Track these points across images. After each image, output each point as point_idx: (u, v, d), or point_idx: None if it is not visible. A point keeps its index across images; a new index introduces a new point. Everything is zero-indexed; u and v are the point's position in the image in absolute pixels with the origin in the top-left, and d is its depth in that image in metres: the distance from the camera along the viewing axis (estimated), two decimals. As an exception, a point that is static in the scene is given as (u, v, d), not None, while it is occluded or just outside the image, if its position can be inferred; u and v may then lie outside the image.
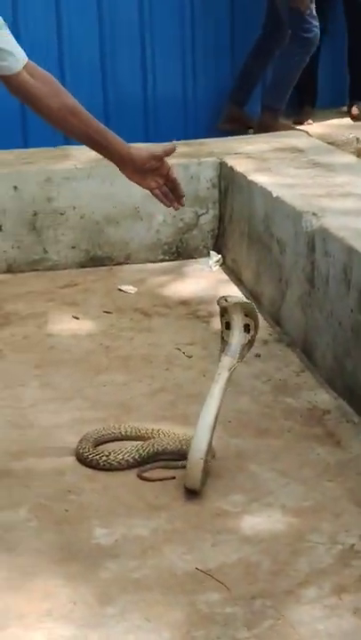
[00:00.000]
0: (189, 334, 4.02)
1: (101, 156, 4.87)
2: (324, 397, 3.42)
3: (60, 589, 2.41)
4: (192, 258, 4.96)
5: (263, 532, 2.62)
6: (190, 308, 4.30)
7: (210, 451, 2.82)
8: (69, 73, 5.76)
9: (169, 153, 2.97)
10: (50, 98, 2.83)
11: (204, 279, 4.70)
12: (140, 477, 2.92)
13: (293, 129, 5.82)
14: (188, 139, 5.66)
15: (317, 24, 5.81)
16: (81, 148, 5.21)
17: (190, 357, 3.79)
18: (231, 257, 4.78)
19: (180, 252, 4.96)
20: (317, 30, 5.81)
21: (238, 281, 4.59)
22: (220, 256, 4.91)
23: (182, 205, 3.10)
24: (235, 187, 4.70)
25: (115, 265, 4.87)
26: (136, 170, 2.93)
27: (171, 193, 2.99)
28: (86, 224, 4.81)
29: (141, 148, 2.99)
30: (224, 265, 4.84)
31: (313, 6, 5.76)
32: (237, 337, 2.87)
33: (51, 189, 4.78)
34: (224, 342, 2.91)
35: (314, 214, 3.69)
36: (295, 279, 3.83)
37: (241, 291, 4.52)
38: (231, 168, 4.76)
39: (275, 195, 4.10)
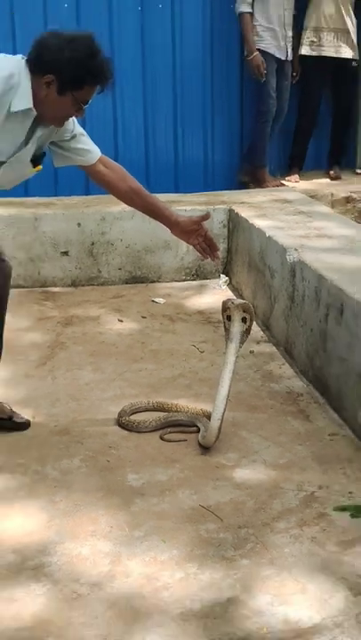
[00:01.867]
0: (203, 335, 4.10)
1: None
2: (298, 384, 3.48)
3: (102, 517, 2.49)
4: (207, 279, 5.05)
5: (249, 481, 2.71)
6: (204, 316, 4.38)
7: (224, 416, 2.87)
8: (122, 142, 5.80)
9: (205, 219, 3.04)
10: (118, 182, 2.93)
11: (216, 294, 4.76)
12: (162, 439, 3.00)
13: (285, 186, 5.84)
14: (207, 191, 5.71)
15: (273, 98, 5.71)
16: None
17: (202, 352, 3.86)
18: (236, 279, 4.85)
19: (198, 274, 5.05)
20: (273, 103, 5.71)
21: (240, 297, 4.63)
22: (227, 278, 4.99)
23: (218, 258, 3.20)
24: (239, 227, 4.77)
25: (150, 282, 4.98)
26: (182, 231, 3.04)
27: (208, 248, 3.04)
28: (130, 252, 4.91)
29: (185, 216, 3.05)
30: (230, 284, 4.94)
31: (273, 81, 5.69)
32: (237, 327, 2.92)
33: (105, 226, 4.88)
34: (227, 332, 2.96)
35: (296, 250, 3.75)
36: (281, 297, 3.89)
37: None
38: (237, 213, 4.82)
39: (268, 234, 4.16)
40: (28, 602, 2.10)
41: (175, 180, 6.00)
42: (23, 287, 4.82)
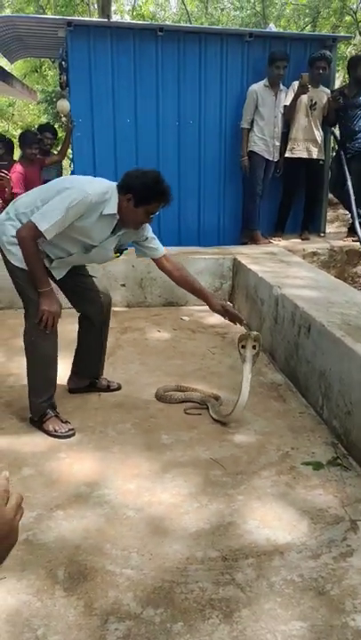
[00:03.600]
0: (214, 343, 4.07)
1: (178, 251, 4.99)
2: (279, 378, 3.44)
3: (143, 463, 2.49)
4: (217, 304, 4.97)
5: (244, 442, 2.68)
6: (215, 330, 4.35)
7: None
8: (162, 212, 5.79)
9: (232, 321, 3.05)
10: (174, 271, 3.01)
11: (223, 315, 4.72)
12: (185, 412, 2.97)
13: (272, 243, 5.82)
14: (220, 245, 5.70)
15: (260, 185, 5.65)
16: (167, 249, 5.32)
17: (214, 354, 3.83)
18: (237, 305, 4.81)
19: (212, 301, 4.99)
20: (260, 188, 5.64)
21: (240, 317, 4.60)
22: (232, 304, 4.90)
23: (244, 323, 3.09)
24: (240, 271, 4.74)
25: (179, 306, 4.92)
26: (217, 311, 3.04)
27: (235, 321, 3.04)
28: (166, 285, 4.84)
29: (220, 305, 3.03)
30: (233, 308, 4.82)
31: (261, 173, 5.64)
32: (250, 352, 2.81)
33: (150, 267, 4.80)
34: (242, 356, 2.82)
35: (278, 287, 3.72)
36: (268, 318, 3.87)
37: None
38: (239, 261, 4.80)
39: (260, 275, 4.14)
40: (94, 519, 2.10)
41: (198, 237, 5.99)
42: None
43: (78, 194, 2.53)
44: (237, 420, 2.82)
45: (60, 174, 5.77)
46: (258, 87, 5.47)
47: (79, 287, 2.96)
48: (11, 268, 2.70)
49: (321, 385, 2.89)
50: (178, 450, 2.59)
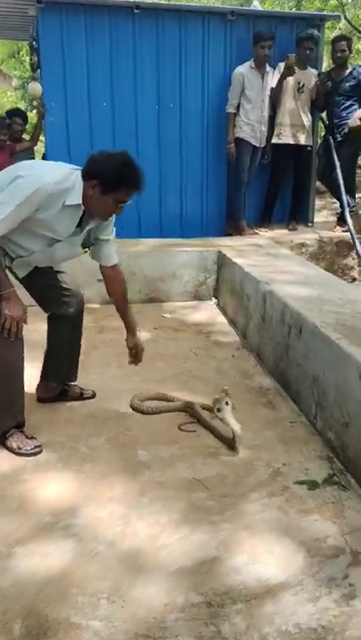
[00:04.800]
0: (198, 342, 3.81)
1: (159, 244, 4.71)
2: (267, 381, 3.19)
3: (118, 485, 2.24)
4: (202, 300, 4.72)
5: (230, 459, 2.43)
6: (199, 328, 4.10)
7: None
8: (143, 200, 5.50)
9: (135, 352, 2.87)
10: (115, 285, 2.78)
11: (208, 312, 4.50)
12: (180, 429, 2.67)
13: (258, 234, 5.57)
14: (203, 236, 5.43)
15: (245, 173, 5.39)
16: (146, 241, 5.07)
17: (197, 355, 3.57)
18: (222, 301, 4.56)
19: (196, 296, 4.73)
20: (245, 176, 5.40)
21: (225, 314, 4.38)
22: (216, 300, 4.68)
23: (134, 364, 2.91)
24: (225, 264, 4.48)
25: (161, 302, 4.64)
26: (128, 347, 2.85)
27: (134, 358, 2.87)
28: (147, 280, 4.62)
29: (132, 340, 2.85)
30: (218, 305, 4.61)
31: (247, 160, 5.38)
32: (228, 410, 2.50)
33: (129, 261, 4.57)
34: (223, 419, 2.49)
35: (266, 283, 3.47)
36: (255, 316, 3.62)
37: (226, 319, 4.27)
38: (224, 254, 4.54)
39: (245, 270, 3.89)
40: (58, 557, 1.84)
41: (180, 228, 5.70)
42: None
43: (33, 183, 2.24)
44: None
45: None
46: (244, 69, 5.18)
47: (46, 286, 2.67)
48: None
49: (314, 391, 2.65)
50: (156, 468, 2.33)
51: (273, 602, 1.65)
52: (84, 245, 2.58)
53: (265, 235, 5.55)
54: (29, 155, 5.55)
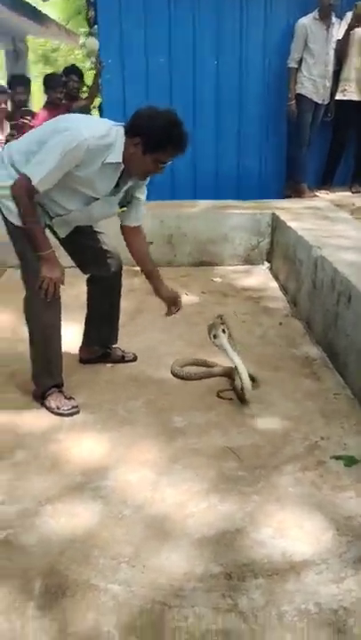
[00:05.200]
0: (246, 308, 3.72)
1: (211, 205, 4.60)
2: (314, 351, 3.08)
3: (151, 450, 2.23)
4: (254, 264, 4.60)
5: (267, 429, 2.38)
6: (248, 293, 4.01)
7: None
8: (199, 158, 5.38)
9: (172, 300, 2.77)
10: (139, 244, 2.69)
11: (260, 277, 4.38)
12: (218, 396, 2.61)
13: (318, 197, 5.33)
14: (260, 198, 5.21)
15: (306, 132, 5.14)
16: (198, 202, 4.96)
17: (244, 322, 3.49)
18: (275, 266, 4.42)
19: (248, 260, 4.62)
20: (306, 135, 5.15)
21: (277, 279, 4.25)
22: (269, 264, 4.54)
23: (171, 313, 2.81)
24: (279, 227, 4.32)
25: (212, 265, 4.55)
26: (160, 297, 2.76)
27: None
28: (197, 242, 4.54)
29: (167, 294, 2.76)
30: (271, 270, 4.48)
31: (308, 117, 5.12)
32: (223, 337, 2.58)
33: (180, 223, 4.52)
34: (220, 346, 2.59)
35: (318, 247, 3.32)
36: (306, 282, 3.48)
37: (278, 284, 4.15)
38: (278, 217, 4.37)
39: (299, 234, 3.73)
40: (85, 518, 1.86)
41: (237, 189, 5.53)
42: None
43: (73, 137, 2.18)
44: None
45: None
46: (307, 20, 4.88)
47: (86, 247, 2.64)
48: (9, 227, 2.40)
49: (361, 363, 2.53)
50: (192, 435, 2.30)
51: (295, 579, 1.60)
52: (120, 204, 2.52)
53: (325, 197, 5.31)
54: (85, 113, 5.48)
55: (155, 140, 2.21)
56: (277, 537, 1.75)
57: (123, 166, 2.31)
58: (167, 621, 1.48)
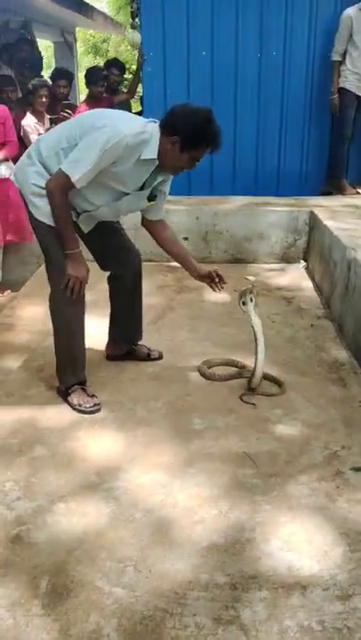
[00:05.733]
0: (277, 308, 3.67)
1: (248, 202, 4.56)
2: (343, 355, 3.02)
3: (167, 452, 2.23)
4: (290, 262, 4.53)
5: (287, 435, 2.34)
6: (281, 293, 3.95)
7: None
8: (239, 153, 5.35)
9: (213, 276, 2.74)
10: (166, 234, 2.69)
11: (295, 276, 4.31)
12: (241, 399, 2.59)
13: (359, 194, 5.20)
14: (301, 195, 5.15)
15: (349, 126, 5.02)
16: (235, 198, 4.92)
17: (274, 322, 3.44)
18: (311, 265, 4.35)
19: (284, 258, 4.56)
20: (349, 130, 5.03)
21: (312, 279, 4.17)
22: (305, 263, 4.47)
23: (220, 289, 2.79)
24: (316, 226, 4.24)
25: (247, 263, 4.51)
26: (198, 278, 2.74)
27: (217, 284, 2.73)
28: (233, 240, 4.50)
29: (203, 268, 2.74)
30: (307, 269, 4.40)
31: (352, 112, 5.01)
32: (251, 305, 2.65)
33: (216, 220, 4.48)
34: (247, 312, 2.68)
35: (353, 249, 3.24)
36: (339, 284, 3.41)
37: (313, 284, 4.08)
38: (316, 215, 4.28)
39: (335, 234, 3.64)
40: (95, 518, 1.87)
41: (277, 185, 5.46)
42: (154, 261, 4.50)
43: (113, 134, 2.19)
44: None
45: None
46: (353, 11, 4.74)
47: (106, 243, 2.65)
48: (35, 223, 2.43)
49: (387, 372, 2.46)
50: (209, 438, 2.29)
51: (301, 594, 1.57)
52: (149, 198, 2.52)
53: (368, 194, 5.18)
54: (126, 107, 5.50)
55: (192, 138, 2.24)
56: (286, 549, 1.73)
57: (157, 162, 2.31)
58: (167, 629, 1.48)
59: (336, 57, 4.89)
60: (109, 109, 2.56)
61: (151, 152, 2.27)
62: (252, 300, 2.61)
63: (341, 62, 4.89)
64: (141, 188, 2.43)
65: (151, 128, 2.28)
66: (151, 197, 2.53)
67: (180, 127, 2.23)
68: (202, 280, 2.72)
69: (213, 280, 2.70)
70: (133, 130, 2.24)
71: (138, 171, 2.33)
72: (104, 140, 2.19)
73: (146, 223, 2.65)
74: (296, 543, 1.75)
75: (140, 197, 2.46)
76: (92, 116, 2.38)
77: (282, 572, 1.65)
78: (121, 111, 2.58)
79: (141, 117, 2.44)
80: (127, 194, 2.41)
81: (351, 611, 1.52)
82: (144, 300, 3.16)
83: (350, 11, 4.75)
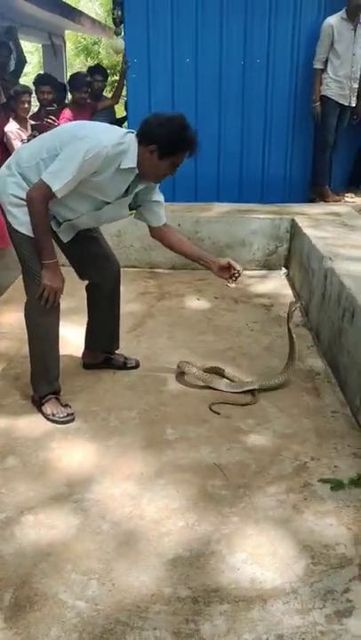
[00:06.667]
0: (256, 316, 3.69)
1: (230, 209, 4.57)
2: (319, 365, 3.04)
3: (138, 464, 2.24)
4: (272, 270, 4.55)
5: (258, 446, 2.35)
6: (261, 300, 3.97)
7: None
8: (223, 161, 5.39)
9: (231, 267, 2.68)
10: (173, 237, 2.70)
11: (276, 283, 4.33)
12: (210, 409, 2.60)
13: (343, 201, 5.24)
14: (286, 202, 5.18)
15: (331, 134, 5.07)
16: (218, 205, 4.93)
17: (252, 330, 3.46)
18: (291, 272, 4.38)
19: (266, 265, 4.57)
20: (331, 137, 5.07)
21: (293, 287, 4.19)
22: (286, 270, 4.49)
23: (233, 284, 2.72)
24: (297, 234, 4.26)
25: (229, 270, 4.50)
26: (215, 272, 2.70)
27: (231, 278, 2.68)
28: (215, 246, 4.49)
29: (220, 259, 2.70)
30: (288, 276, 4.42)
31: (333, 120, 5.05)
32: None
33: (198, 227, 4.50)
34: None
35: (330, 258, 3.26)
36: (317, 293, 3.43)
37: (293, 292, 4.10)
38: (296, 223, 4.31)
39: (313, 242, 3.67)
40: (63, 530, 1.88)
41: (261, 191, 5.50)
42: (137, 267, 4.55)
43: (94, 144, 2.21)
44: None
45: (112, 120, 5.39)
46: (334, 20, 4.78)
47: (86, 254, 2.66)
48: (12, 233, 2.44)
49: (359, 383, 2.48)
50: (180, 449, 2.30)
51: (261, 607, 1.59)
52: (130, 207, 2.54)
53: (350, 201, 5.22)
54: (109, 113, 5.51)
55: (170, 145, 2.28)
56: (250, 562, 1.74)
57: (137, 171, 2.34)
58: (127, 643, 1.49)
59: (318, 65, 4.93)
60: (88, 122, 2.59)
61: (130, 161, 2.30)
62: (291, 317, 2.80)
63: (323, 70, 4.93)
64: (122, 197, 2.45)
65: (129, 138, 2.31)
66: (133, 207, 2.56)
67: (156, 136, 2.26)
68: (222, 274, 2.68)
69: (232, 274, 2.67)
70: (112, 140, 2.27)
71: (117, 180, 2.35)
72: (85, 150, 2.21)
73: (154, 234, 2.68)
74: (260, 556, 1.77)
75: (121, 206, 2.48)
76: (72, 127, 2.42)
77: (244, 584, 1.67)
78: (99, 122, 2.61)
79: (120, 128, 2.48)
80: (108, 203, 2.43)
81: (310, 625, 1.54)
82: (125, 306, 3.17)
83: (332, 19, 4.79)
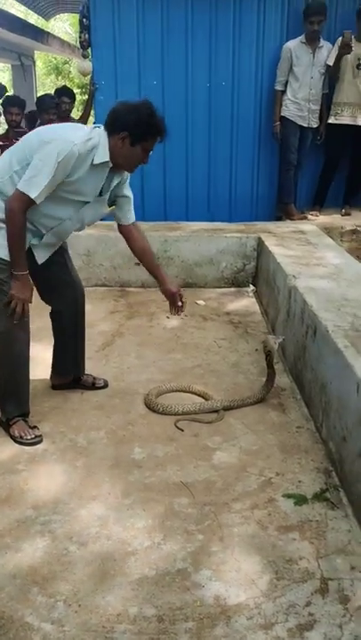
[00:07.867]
0: (224, 333, 3.75)
1: (198, 228, 4.64)
2: (285, 380, 3.10)
3: (105, 484, 2.25)
4: (240, 287, 4.63)
5: (223, 463, 2.38)
6: (230, 317, 4.03)
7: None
8: (191, 180, 5.49)
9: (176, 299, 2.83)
10: (138, 241, 2.75)
11: (244, 300, 4.41)
12: (175, 425, 2.65)
13: (308, 219, 5.35)
14: (253, 220, 5.32)
15: (293, 153, 5.20)
16: (186, 224, 5.00)
17: (220, 347, 3.51)
18: (259, 289, 4.46)
19: (234, 283, 4.65)
20: (293, 157, 5.21)
21: (260, 304, 4.26)
22: (254, 287, 4.57)
23: (178, 314, 2.89)
24: (263, 252, 4.35)
25: (197, 288, 4.58)
26: (164, 293, 2.83)
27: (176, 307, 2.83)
28: (184, 265, 4.57)
29: (171, 286, 2.81)
30: (256, 294, 4.50)
31: (294, 140, 5.19)
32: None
33: (167, 246, 4.55)
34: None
35: (293, 276, 3.34)
36: (282, 310, 3.50)
37: (260, 308, 4.17)
38: (263, 241, 4.39)
39: (278, 260, 3.75)
40: (29, 554, 1.89)
41: (229, 209, 5.60)
42: (107, 286, 4.59)
43: (64, 145, 2.23)
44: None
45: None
46: (293, 44, 4.94)
47: (51, 279, 2.67)
48: None
49: (322, 399, 2.55)
50: (147, 468, 2.33)
51: (225, 624, 1.62)
52: (109, 204, 2.57)
53: (315, 219, 5.34)
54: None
55: (141, 129, 2.29)
56: (214, 579, 1.77)
57: (111, 164, 2.36)
58: (92, 665, 1.50)
59: (278, 87, 5.08)
60: (52, 124, 2.59)
61: (102, 155, 2.31)
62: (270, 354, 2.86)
63: (283, 92, 5.07)
64: (100, 194, 2.47)
65: (97, 133, 2.32)
66: (111, 203, 2.59)
67: (126, 122, 2.27)
68: (166, 296, 2.77)
69: (175, 303, 2.75)
70: (81, 138, 2.27)
71: (93, 177, 2.36)
72: (56, 152, 2.21)
73: (121, 230, 2.71)
74: (225, 572, 1.80)
75: (101, 203, 2.50)
76: (38, 133, 2.39)
77: (209, 601, 1.69)
78: (64, 123, 2.64)
79: (80, 125, 2.49)
80: (87, 202, 2.44)
81: (273, 639, 1.57)
82: (94, 326, 3.19)
83: (290, 43, 4.95)
